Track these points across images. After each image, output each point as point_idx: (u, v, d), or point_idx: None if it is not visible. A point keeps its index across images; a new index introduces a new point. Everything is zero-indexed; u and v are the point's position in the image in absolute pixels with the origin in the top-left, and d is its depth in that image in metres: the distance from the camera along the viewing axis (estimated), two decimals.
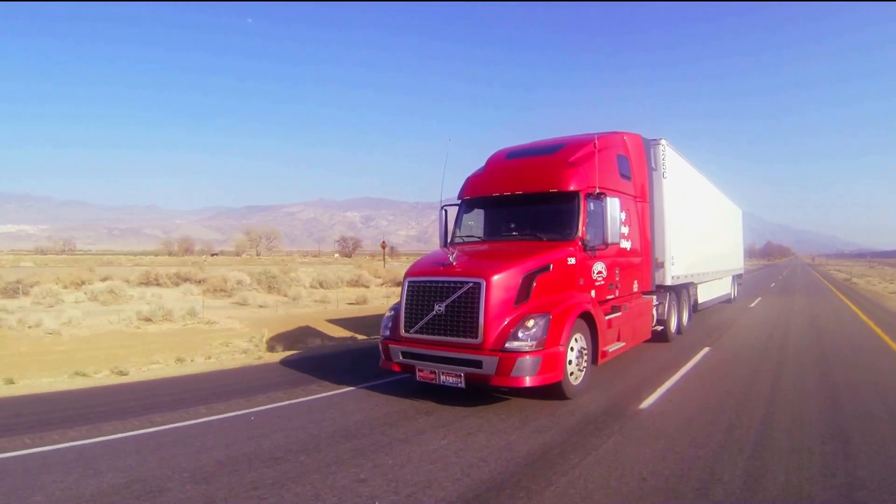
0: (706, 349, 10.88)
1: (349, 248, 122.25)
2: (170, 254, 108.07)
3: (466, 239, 8.68)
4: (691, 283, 13.72)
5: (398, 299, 7.34)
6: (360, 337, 13.71)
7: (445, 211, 9.02)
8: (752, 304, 21.26)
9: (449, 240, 8.89)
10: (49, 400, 7.36)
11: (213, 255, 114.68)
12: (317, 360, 10.30)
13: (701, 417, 6.24)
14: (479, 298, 6.44)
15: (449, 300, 6.65)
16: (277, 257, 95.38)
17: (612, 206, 7.66)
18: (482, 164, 9.41)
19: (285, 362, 10.06)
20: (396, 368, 7.28)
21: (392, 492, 4.28)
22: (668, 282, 11.08)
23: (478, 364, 6.40)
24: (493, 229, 8.63)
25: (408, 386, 7.73)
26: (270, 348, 11.75)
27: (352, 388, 7.83)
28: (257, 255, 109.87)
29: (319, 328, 14.99)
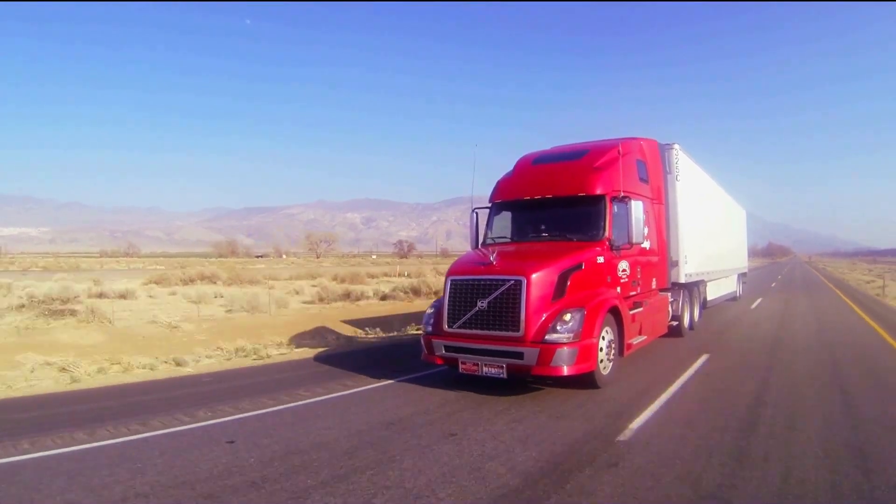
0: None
1: (405, 251, 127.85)
2: (220, 255, 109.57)
3: (497, 240, 9.19)
4: (701, 281, 14.28)
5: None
6: None
7: (476, 214, 9.55)
8: (779, 276, 46.07)
9: (481, 241, 9.41)
10: None
11: (257, 256, 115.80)
12: None
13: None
14: (520, 295, 6.98)
15: (491, 297, 7.17)
16: (342, 259, 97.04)
17: (637, 208, 8.26)
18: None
19: None
20: (439, 361, 7.79)
21: (468, 461, 4.90)
22: (682, 279, 11.60)
23: (519, 355, 6.94)
24: (523, 230, 9.16)
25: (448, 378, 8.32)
26: None
27: (390, 381, 8.38)
28: (317, 257, 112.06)
29: None
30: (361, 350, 11.76)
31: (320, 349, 11.66)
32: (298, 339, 12.70)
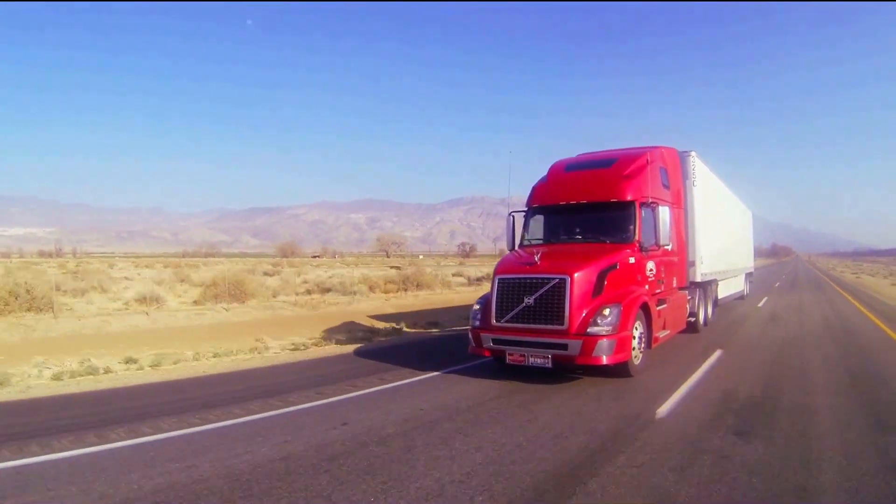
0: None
1: (466, 251, 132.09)
2: (284, 256, 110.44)
3: (533, 241, 9.95)
4: (714, 280, 15.05)
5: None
6: None
7: (513, 217, 10.32)
8: (788, 269, 68.32)
9: (517, 242, 10.17)
10: None
11: (314, 256, 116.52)
12: None
13: None
14: (564, 292, 7.75)
15: (538, 294, 7.93)
16: (409, 259, 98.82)
17: (664, 213, 9.09)
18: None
19: None
20: (486, 353, 8.55)
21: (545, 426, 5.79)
22: (698, 279, 12.34)
23: (563, 347, 7.71)
24: (557, 232, 9.91)
25: (490, 369, 9.14)
26: None
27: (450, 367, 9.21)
28: (387, 256, 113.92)
29: None
30: None
31: None
32: None
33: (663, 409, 6.62)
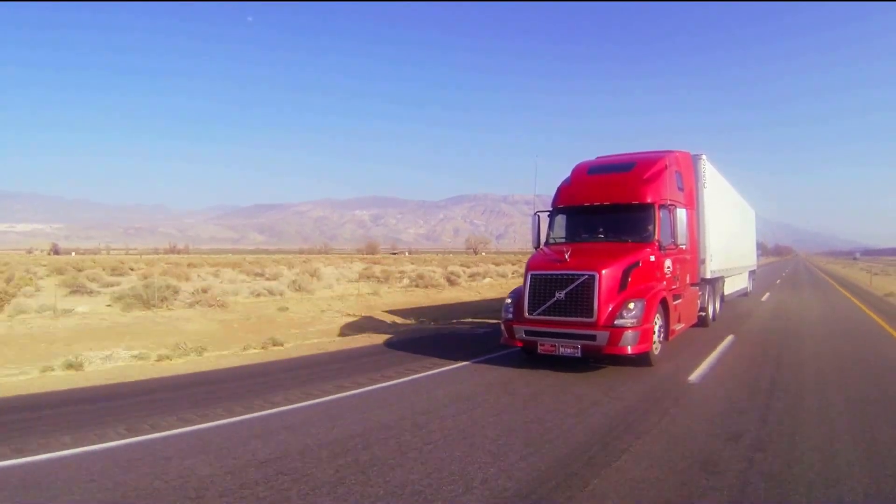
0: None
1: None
2: (373, 253, 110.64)
3: (557, 240, 10.60)
4: (721, 277, 15.73)
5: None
6: None
7: (538, 217, 11.00)
8: (791, 265, 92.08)
9: (543, 241, 10.86)
10: None
11: (393, 253, 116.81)
12: None
13: None
14: (593, 287, 8.45)
15: (568, 289, 8.63)
16: (497, 257, 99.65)
17: (680, 214, 9.82)
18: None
19: None
20: (519, 344, 9.21)
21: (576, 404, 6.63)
22: (708, 275, 12.98)
23: (592, 338, 8.41)
24: (581, 232, 10.55)
25: (516, 358, 9.88)
26: None
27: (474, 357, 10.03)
28: (475, 253, 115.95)
29: None
30: None
31: None
32: None
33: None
